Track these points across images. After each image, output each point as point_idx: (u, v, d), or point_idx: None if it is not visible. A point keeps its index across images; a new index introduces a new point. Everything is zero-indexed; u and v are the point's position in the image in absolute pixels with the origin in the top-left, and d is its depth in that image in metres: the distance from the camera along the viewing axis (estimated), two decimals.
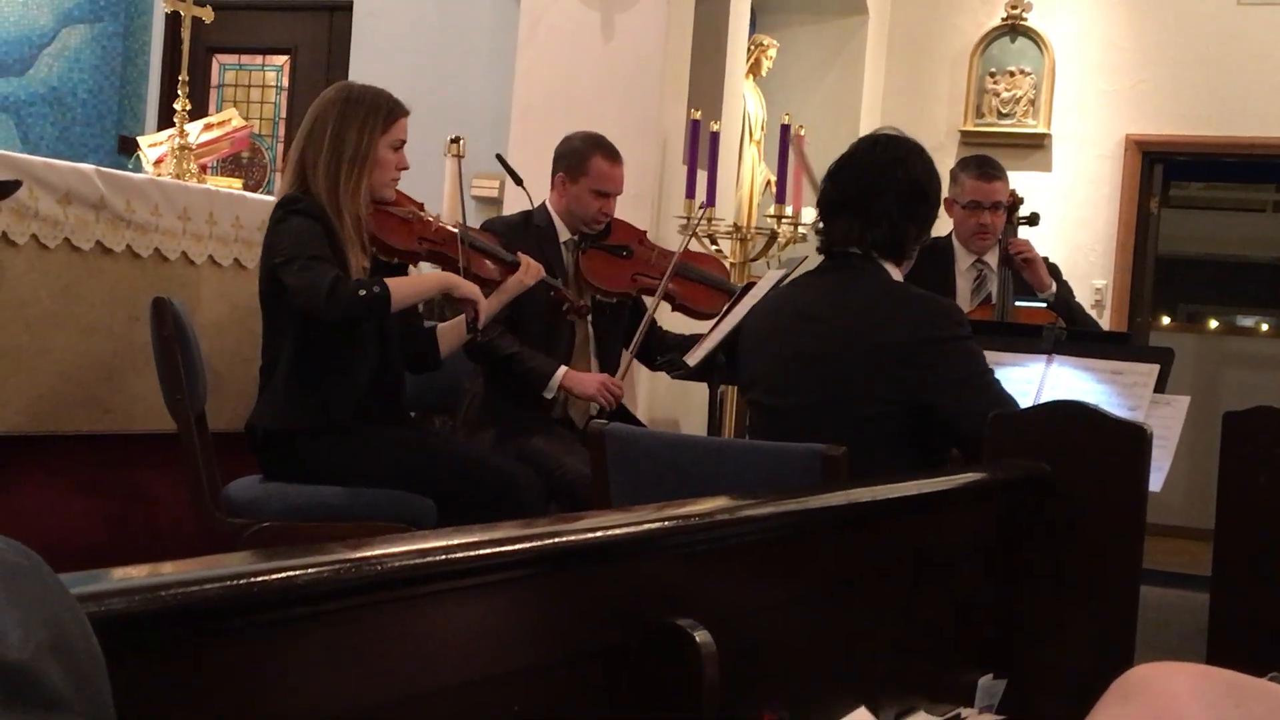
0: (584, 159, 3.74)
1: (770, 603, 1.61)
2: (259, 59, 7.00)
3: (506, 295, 3.31)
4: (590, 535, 1.31)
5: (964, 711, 2.03)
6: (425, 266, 3.52)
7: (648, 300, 3.88)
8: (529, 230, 3.74)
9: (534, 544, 1.23)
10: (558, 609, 1.29)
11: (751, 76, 5.88)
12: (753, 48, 5.84)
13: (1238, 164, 6.79)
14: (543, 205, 3.83)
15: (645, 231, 4.02)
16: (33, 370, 3.24)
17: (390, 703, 1.10)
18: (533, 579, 1.25)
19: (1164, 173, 6.60)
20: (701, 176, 4.77)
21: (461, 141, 4.46)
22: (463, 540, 1.16)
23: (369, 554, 1.06)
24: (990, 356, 2.60)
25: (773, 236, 5.20)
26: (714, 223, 4.91)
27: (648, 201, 4.61)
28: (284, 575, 0.97)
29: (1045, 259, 4.04)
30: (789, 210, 5.05)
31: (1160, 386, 2.84)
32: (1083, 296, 4.83)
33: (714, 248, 5.09)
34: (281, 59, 6.97)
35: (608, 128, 3.97)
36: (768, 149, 5.78)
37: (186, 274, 3.62)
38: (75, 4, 6.56)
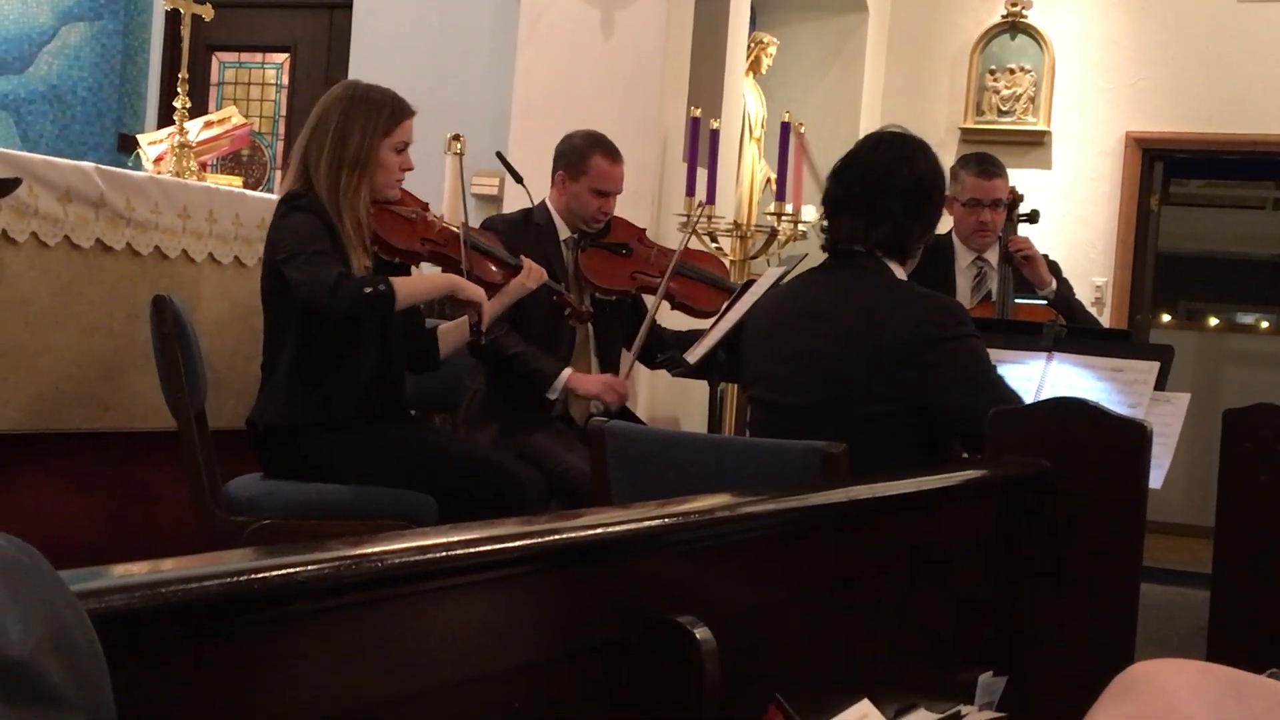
0: (584, 157, 3.74)
1: (771, 599, 1.61)
2: (259, 57, 6.99)
3: (508, 298, 3.30)
4: (591, 532, 1.31)
5: (964, 709, 2.03)
6: (427, 267, 3.52)
7: (648, 299, 3.87)
8: (529, 228, 3.74)
9: (534, 541, 1.23)
10: (558, 606, 1.29)
11: (751, 74, 5.88)
12: (753, 45, 5.84)
13: (1238, 161, 6.78)
14: (543, 203, 3.82)
15: (645, 229, 4.01)
16: (33, 368, 3.24)
17: (391, 699, 1.11)
18: (533, 576, 1.25)
19: (1164, 170, 6.60)
20: (701, 174, 4.77)
21: (462, 139, 4.46)
22: (463, 537, 1.16)
23: (369, 551, 1.06)
24: (990, 354, 2.60)
25: (773, 234, 5.20)
26: (714, 220, 4.91)
27: (647, 199, 4.60)
28: (284, 572, 0.98)
29: (1045, 256, 4.04)
30: (789, 208, 5.05)
31: (1160, 384, 2.84)
32: (1083, 294, 4.82)
33: (714, 245, 5.09)
34: (281, 57, 6.96)
35: (608, 125, 3.97)
36: (768, 147, 5.78)
37: (186, 272, 3.62)
38: (75, 1, 6.56)
